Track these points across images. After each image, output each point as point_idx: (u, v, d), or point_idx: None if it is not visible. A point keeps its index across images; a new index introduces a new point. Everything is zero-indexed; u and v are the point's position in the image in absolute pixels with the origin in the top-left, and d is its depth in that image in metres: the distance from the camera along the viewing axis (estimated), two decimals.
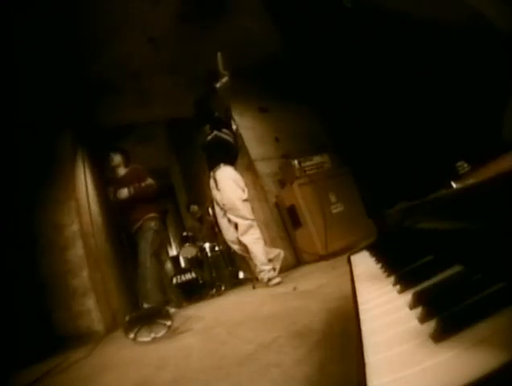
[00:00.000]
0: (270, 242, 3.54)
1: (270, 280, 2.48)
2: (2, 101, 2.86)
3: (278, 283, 2.44)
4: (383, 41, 1.23)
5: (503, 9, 0.97)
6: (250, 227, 2.58)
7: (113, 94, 3.82)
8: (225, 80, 2.58)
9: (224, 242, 3.97)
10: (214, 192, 2.75)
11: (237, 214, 2.60)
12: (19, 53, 2.76)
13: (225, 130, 2.75)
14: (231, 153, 2.78)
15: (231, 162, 2.74)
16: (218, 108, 2.76)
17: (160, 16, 3.06)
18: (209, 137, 2.73)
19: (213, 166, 2.71)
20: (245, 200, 2.65)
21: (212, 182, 2.75)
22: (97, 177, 3.82)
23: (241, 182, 2.71)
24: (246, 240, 2.58)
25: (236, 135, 2.92)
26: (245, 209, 2.60)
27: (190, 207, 4.72)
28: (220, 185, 2.66)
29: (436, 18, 1.10)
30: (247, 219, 2.58)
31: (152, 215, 2.73)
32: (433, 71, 1.11)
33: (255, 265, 2.61)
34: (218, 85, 2.60)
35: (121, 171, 2.87)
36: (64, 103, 3.36)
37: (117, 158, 2.87)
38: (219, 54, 2.55)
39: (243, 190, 2.66)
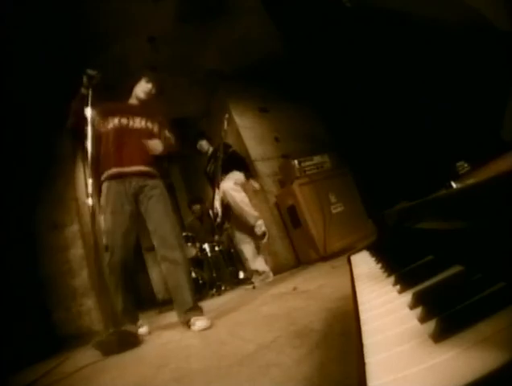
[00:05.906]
0: (269, 242, 3.54)
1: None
2: (2, 101, 2.86)
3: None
4: (383, 41, 1.24)
5: (503, 9, 0.97)
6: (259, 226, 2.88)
7: (112, 94, 3.81)
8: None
9: (223, 242, 4.01)
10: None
11: (243, 214, 2.90)
12: (19, 52, 2.76)
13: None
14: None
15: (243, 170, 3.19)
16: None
17: (160, 16, 3.06)
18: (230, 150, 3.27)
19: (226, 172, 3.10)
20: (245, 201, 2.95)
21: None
22: None
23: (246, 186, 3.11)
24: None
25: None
26: (248, 206, 2.92)
27: (192, 205, 4.70)
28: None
29: (436, 18, 1.10)
30: (253, 216, 2.89)
31: None
32: (433, 71, 1.11)
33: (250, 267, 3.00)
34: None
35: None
36: (64, 103, 3.36)
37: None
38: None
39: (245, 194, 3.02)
